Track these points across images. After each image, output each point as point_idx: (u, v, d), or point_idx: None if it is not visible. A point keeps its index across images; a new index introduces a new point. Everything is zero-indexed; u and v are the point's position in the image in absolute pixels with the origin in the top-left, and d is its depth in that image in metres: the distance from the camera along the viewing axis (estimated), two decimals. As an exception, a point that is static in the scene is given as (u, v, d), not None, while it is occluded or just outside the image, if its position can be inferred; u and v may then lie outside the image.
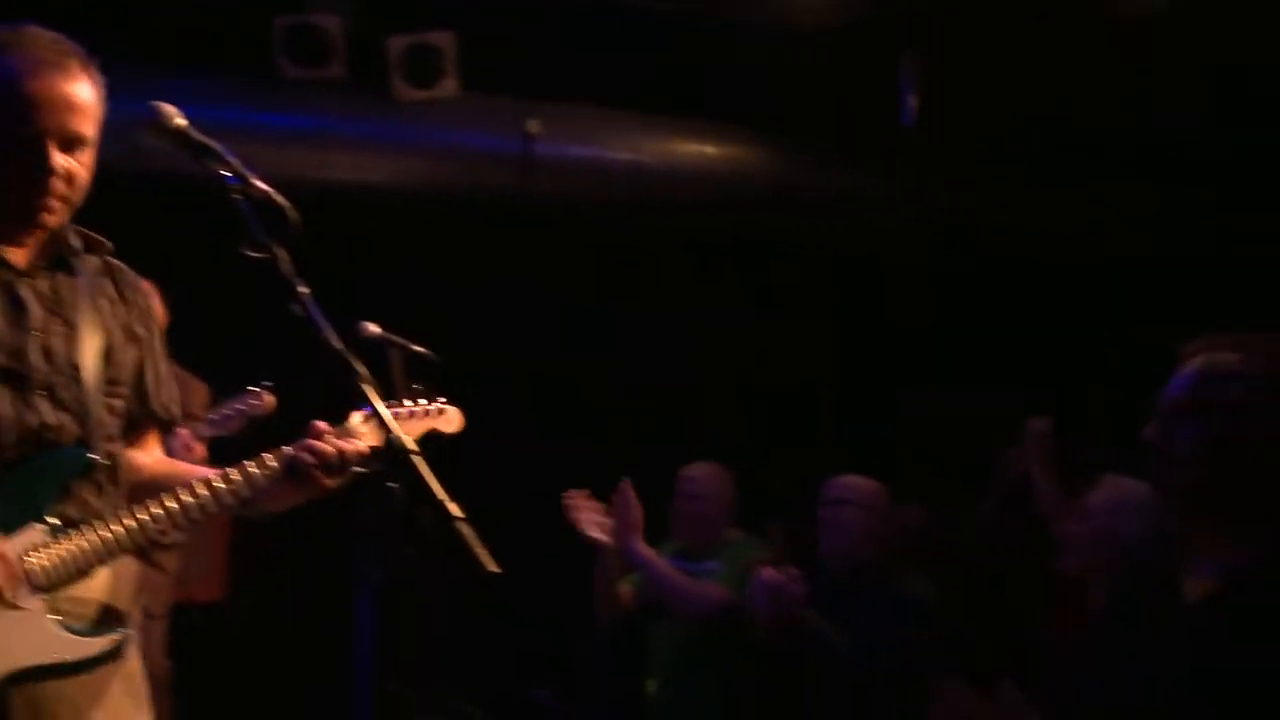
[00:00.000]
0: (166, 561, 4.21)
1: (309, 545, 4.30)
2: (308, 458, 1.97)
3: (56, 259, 1.96)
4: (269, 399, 4.04)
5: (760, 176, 5.43)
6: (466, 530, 1.74)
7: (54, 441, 1.86)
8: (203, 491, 1.92)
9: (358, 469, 2.01)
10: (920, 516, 4.82)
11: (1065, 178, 5.83)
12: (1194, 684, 1.70)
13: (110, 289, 2.01)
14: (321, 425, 2.01)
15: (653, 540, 4.01)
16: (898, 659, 3.38)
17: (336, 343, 1.90)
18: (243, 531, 4.51)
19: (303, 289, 1.93)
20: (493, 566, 1.72)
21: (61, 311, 1.92)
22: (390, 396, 3.88)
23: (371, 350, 3.93)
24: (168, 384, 2.08)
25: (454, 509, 1.77)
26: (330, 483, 1.99)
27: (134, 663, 1.97)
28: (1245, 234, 5.79)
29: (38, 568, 1.80)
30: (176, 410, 2.10)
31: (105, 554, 1.86)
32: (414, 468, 1.81)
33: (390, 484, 1.81)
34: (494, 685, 5.10)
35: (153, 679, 4.13)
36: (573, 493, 3.96)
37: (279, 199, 1.91)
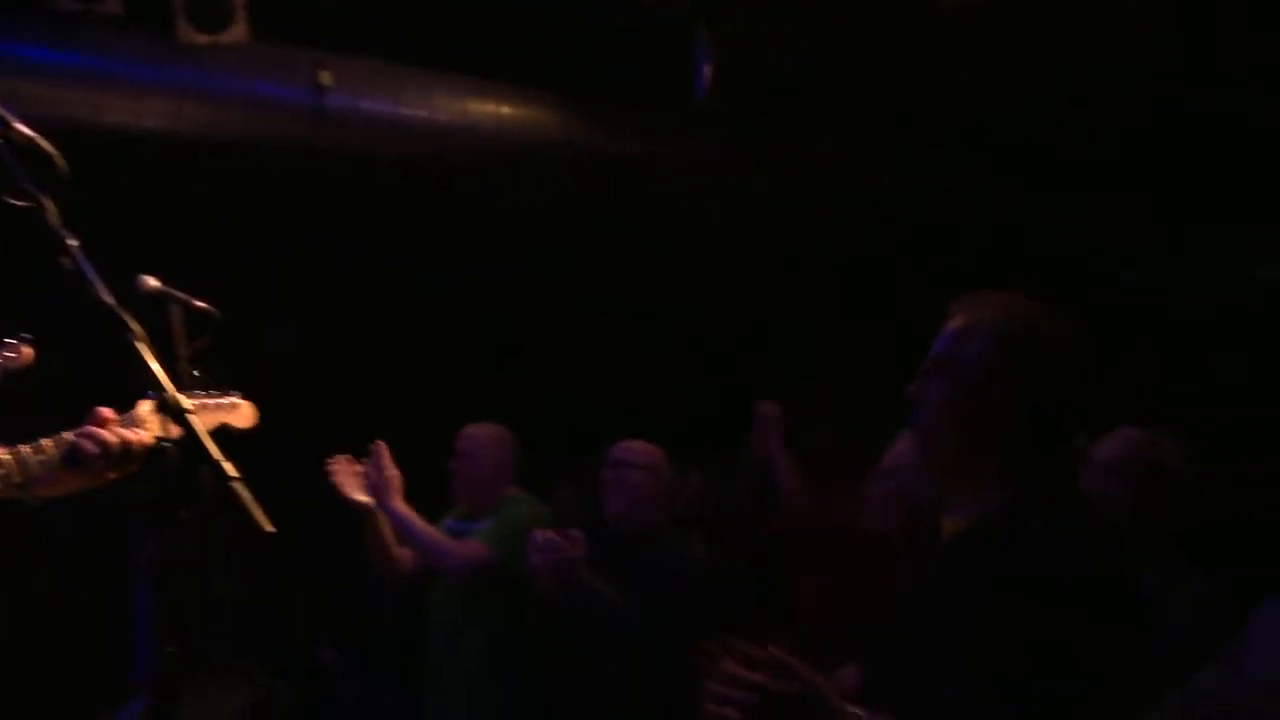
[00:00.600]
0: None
1: (87, 513, 4.11)
2: (90, 447, 1.90)
3: None
4: (26, 351, 3.84)
5: (555, 140, 5.45)
6: (242, 491, 1.72)
7: None
8: None
9: (141, 460, 1.95)
10: (699, 483, 4.98)
11: (860, 151, 6.02)
12: (943, 617, 1.80)
13: None
14: (106, 412, 1.93)
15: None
16: (675, 620, 3.47)
17: (109, 299, 1.84)
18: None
19: (72, 241, 1.86)
20: (268, 527, 1.71)
21: None
22: (170, 354, 3.79)
23: (151, 306, 3.80)
24: None
25: (229, 469, 1.74)
26: (112, 474, 1.92)
27: None
28: (1037, 211, 6.09)
29: None
30: None
31: None
32: (189, 426, 1.77)
33: (164, 443, 1.77)
34: (281, 647, 5.02)
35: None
36: (335, 457, 3.91)
37: (45, 144, 1.83)
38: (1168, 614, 2.36)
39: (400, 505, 3.85)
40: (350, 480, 3.87)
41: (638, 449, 3.87)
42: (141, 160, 4.97)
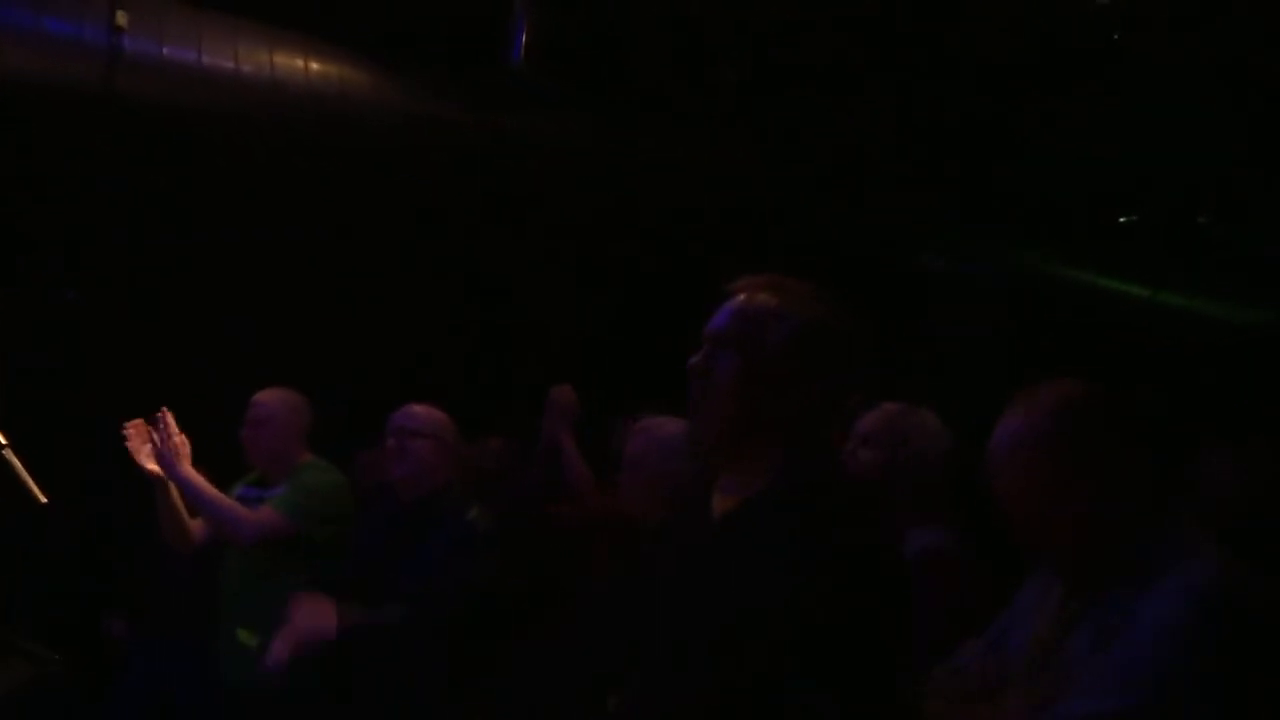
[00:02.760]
0: None
1: None
2: None
3: None
4: None
5: (364, 100, 5.32)
6: (13, 460, 1.63)
7: None
8: None
9: None
10: (497, 450, 4.95)
11: (674, 121, 6.06)
12: (704, 595, 1.81)
13: None
14: None
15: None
16: (461, 590, 3.46)
17: None
18: None
19: None
20: (41, 497, 1.62)
21: None
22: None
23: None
24: None
25: (2, 436, 1.65)
26: None
27: None
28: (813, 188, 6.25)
29: None
30: None
31: None
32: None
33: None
34: (65, 618, 4.83)
35: None
36: (129, 424, 3.76)
37: None
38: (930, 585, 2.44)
39: (189, 472, 3.72)
40: (143, 448, 3.72)
41: (421, 414, 3.79)
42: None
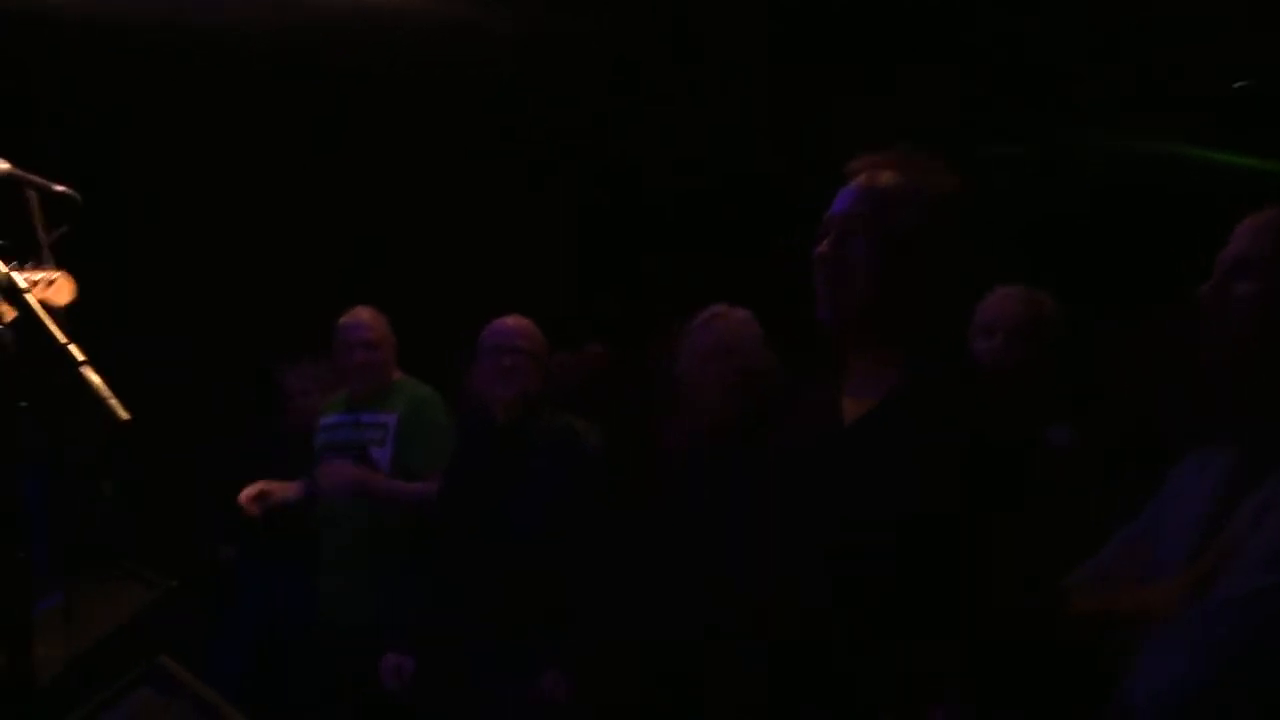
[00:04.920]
0: None
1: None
2: None
3: None
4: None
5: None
6: (93, 376, 1.56)
7: None
8: None
9: None
10: (597, 357, 4.84)
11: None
12: (845, 505, 1.74)
13: None
14: None
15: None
16: (567, 505, 3.37)
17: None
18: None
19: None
20: (123, 414, 1.55)
21: None
22: (31, 243, 3.55)
23: (3, 191, 3.54)
24: None
25: (77, 353, 1.58)
26: None
27: None
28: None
29: None
30: None
31: None
32: (28, 308, 1.60)
33: (-3, 329, 1.60)
34: (177, 545, 4.89)
35: None
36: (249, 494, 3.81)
37: None
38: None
39: (378, 482, 3.78)
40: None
41: (515, 329, 3.64)
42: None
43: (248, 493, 3.78)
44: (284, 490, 3.83)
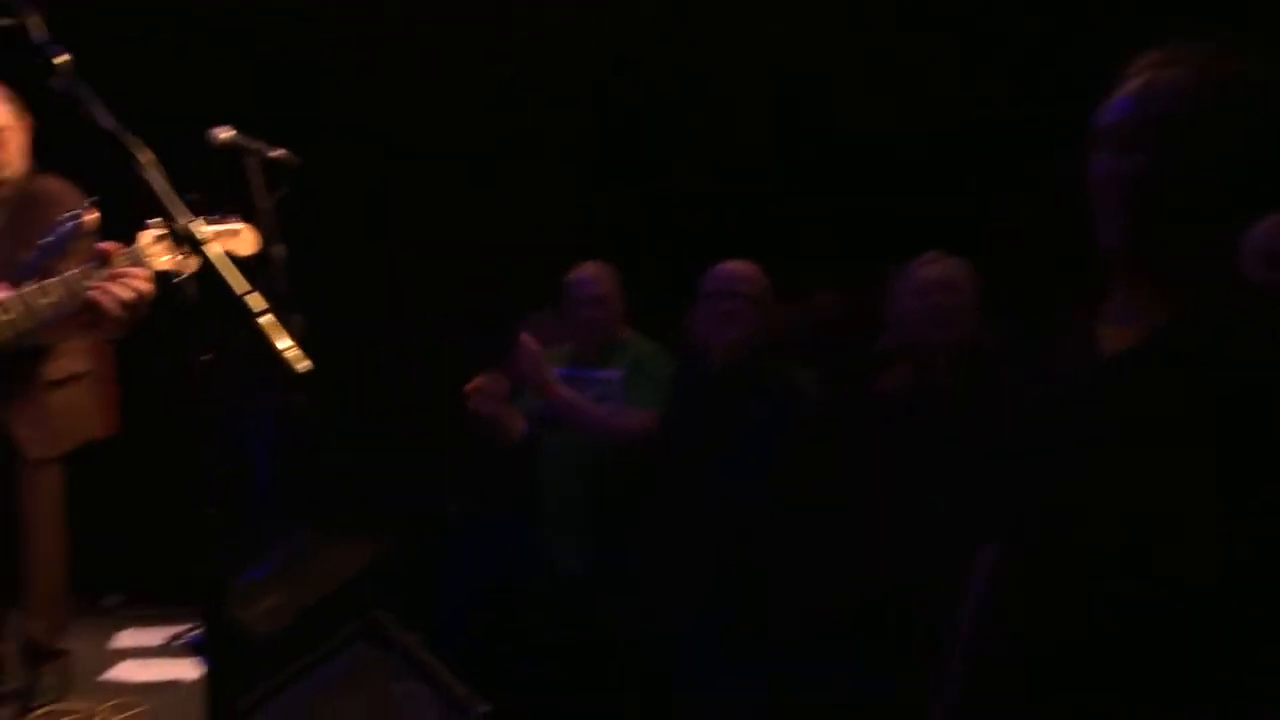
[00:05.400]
0: (62, 399, 3.98)
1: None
2: (99, 296, 1.72)
3: None
4: (91, 215, 3.72)
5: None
6: (272, 326, 1.52)
7: None
8: None
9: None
10: (829, 305, 4.65)
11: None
12: (1110, 435, 1.55)
13: None
14: (110, 247, 1.74)
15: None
16: (784, 464, 3.24)
17: (109, 121, 1.63)
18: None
19: (62, 58, 1.65)
20: (301, 365, 1.50)
21: None
22: (250, 204, 3.62)
23: (227, 157, 3.63)
24: None
25: (256, 303, 1.54)
26: (125, 324, 1.75)
27: None
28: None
29: None
30: None
31: None
32: (208, 259, 1.57)
33: (175, 280, 1.57)
34: (400, 501, 4.99)
35: (45, 523, 4.02)
36: (476, 385, 3.77)
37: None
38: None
39: (564, 391, 3.70)
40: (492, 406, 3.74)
41: (739, 273, 3.54)
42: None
43: (476, 382, 3.77)
44: (506, 403, 3.80)
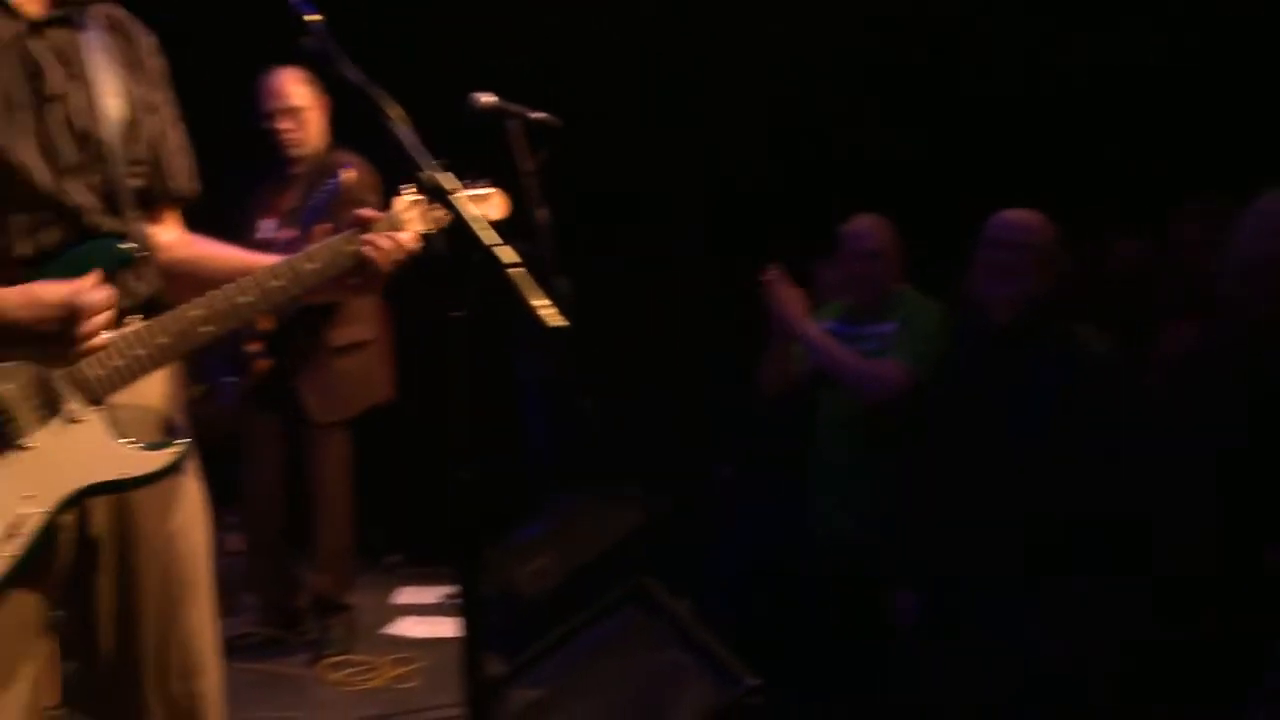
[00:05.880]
0: (348, 366, 4.15)
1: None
2: (368, 251, 1.72)
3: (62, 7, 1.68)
4: (349, 175, 3.82)
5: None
6: (523, 280, 1.45)
7: (92, 228, 1.64)
8: (253, 290, 1.69)
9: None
10: (1129, 256, 4.30)
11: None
12: None
13: (120, 47, 1.74)
14: (369, 214, 1.74)
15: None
16: (1069, 418, 2.97)
17: (358, 77, 1.60)
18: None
19: (314, 17, 1.63)
20: (555, 319, 1.43)
21: (79, 74, 1.65)
22: (511, 168, 3.62)
23: (489, 122, 3.63)
24: (184, 156, 1.83)
25: (507, 255, 1.47)
26: (383, 280, 1.75)
27: (191, 475, 1.80)
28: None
29: (91, 377, 1.61)
30: (195, 185, 1.84)
31: (157, 360, 1.66)
32: (457, 210, 1.51)
33: (426, 233, 1.53)
34: (671, 465, 4.95)
35: (332, 485, 4.19)
36: (771, 272, 3.65)
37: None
38: None
39: (812, 328, 3.61)
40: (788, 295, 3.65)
41: (1020, 221, 3.26)
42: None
43: (773, 273, 3.69)
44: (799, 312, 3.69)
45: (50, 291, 1.55)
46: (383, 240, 1.70)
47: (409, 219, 1.76)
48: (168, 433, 1.71)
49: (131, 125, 1.69)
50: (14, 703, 1.63)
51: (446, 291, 1.53)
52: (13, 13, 1.61)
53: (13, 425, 1.56)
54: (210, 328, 1.67)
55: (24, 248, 1.59)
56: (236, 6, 4.49)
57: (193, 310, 1.66)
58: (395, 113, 1.60)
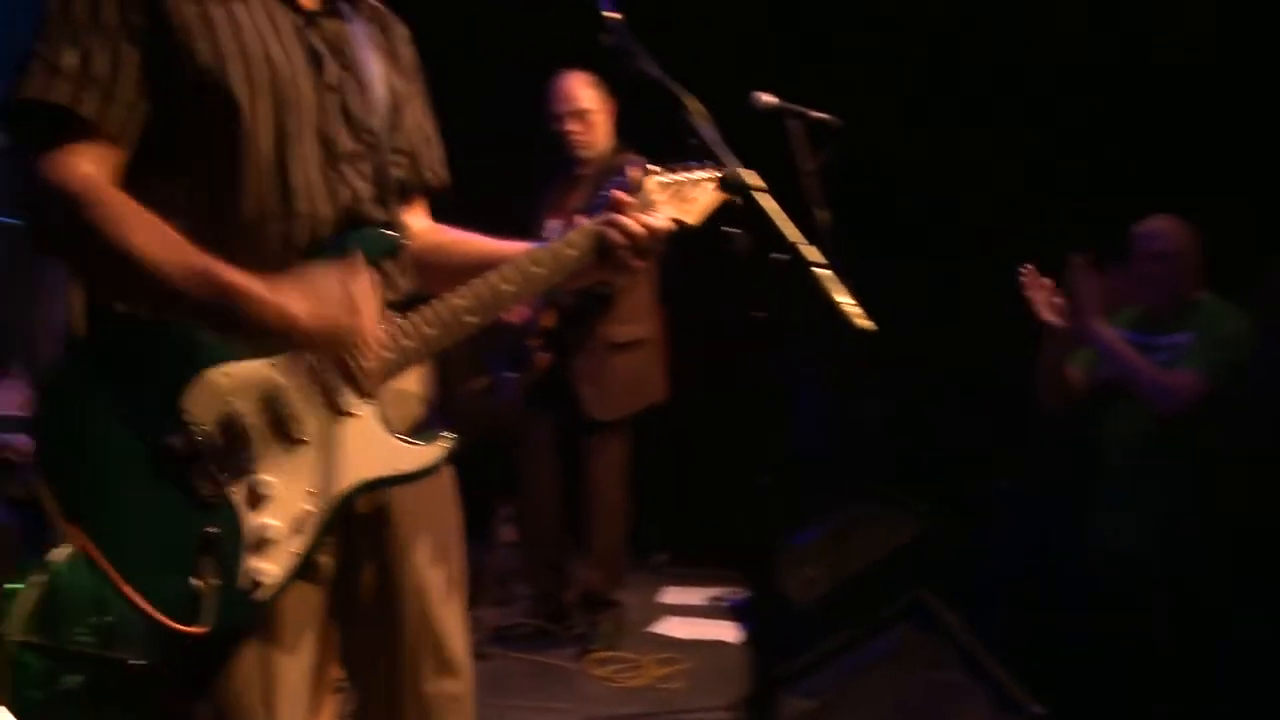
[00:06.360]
0: (627, 364, 4.20)
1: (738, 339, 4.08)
2: (617, 237, 1.69)
3: None
4: (635, 173, 3.84)
5: None
6: (828, 279, 1.39)
7: (364, 217, 1.61)
8: (516, 278, 1.67)
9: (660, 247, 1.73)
10: None
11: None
12: None
13: (380, 37, 1.74)
14: (622, 196, 1.71)
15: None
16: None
17: (656, 71, 1.58)
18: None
19: (612, 14, 1.62)
20: (862, 322, 1.36)
21: (349, 65, 1.64)
22: (794, 171, 3.57)
23: (769, 121, 3.59)
24: (436, 147, 1.81)
25: (812, 254, 1.42)
26: (637, 265, 1.72)
27: (447, 470, 1.74)
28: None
29: (363, 369, 1.57)
30: (446, 176, 1.83)
31: (424, 353, 1.63)
32: (763, 209, 1.47)
33: (729, 230, 1.48)
34: (946, 477, 4.79)
35: (608, 482, 4.24)
36: (1028, 268, 3.48)
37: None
38: None
39: (1103, 327, 3.43)
40: (1043, 297, 3.47)
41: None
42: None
43: (1032, 276, 3.54)
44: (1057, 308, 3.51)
45: (330, 282, 1.49)
46: (633, 223, 1.68)
47: (656, 201, 1.74)
48: (431, 426, 1.68)
49: (395, 115, 1.69)
50: (305, 677, 1.62)
51: (740, 291, 1.48)
52: (292, 3, 1.59)
53: (294, 419, 1.53)
54: (474, 318, 1.63)
55: (300, 236, 1.55)
56: (525, 9, 4.63)
57: (457, 299, 1.63)
58: (696, 109, 1.58)
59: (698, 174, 1.79)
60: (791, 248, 1.42)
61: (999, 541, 4.42)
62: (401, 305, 1.65)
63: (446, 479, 1.74)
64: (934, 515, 4.02)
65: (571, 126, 4.13)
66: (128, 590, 1.42)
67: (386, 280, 1.63)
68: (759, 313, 1.47)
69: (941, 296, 5.07)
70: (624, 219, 1.68)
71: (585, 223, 1.70)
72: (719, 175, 1.64)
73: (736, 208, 1.50)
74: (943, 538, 3.89)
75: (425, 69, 1.79)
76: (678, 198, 1.78)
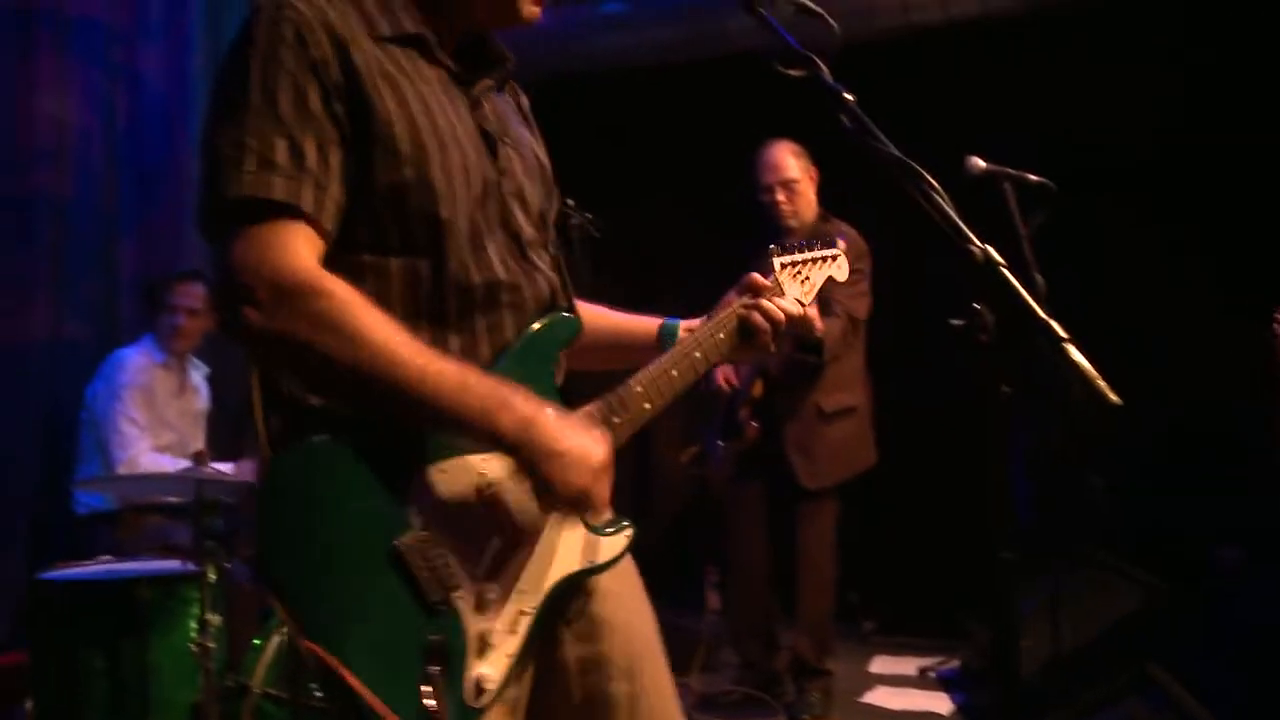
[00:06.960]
0: (837, 433, 4.22)
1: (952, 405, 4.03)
2: (761, 322, 1.73)
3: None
4: (842, 246, 3.86)
5: None
6: (1078, 356, 1.40)
7: (550, 304, 1.58)
8: (681, 364, 1.67)
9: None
10: None
11: None
12: None
13: (514, 104, 1.69)
14: (759, 280, 1.76)
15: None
16: None
17: (894, 151, 1.62)
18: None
19: (848, 96, 1.67)
20: (1113, 398, 1.36)
21: (510, 142, 1.58)
22: (1009, 232, 3.55)
23: (982, 186, 3.59)
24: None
25: (1059, 330, 1.42)
26: (774, 347, 1.75)
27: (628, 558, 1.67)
28: None
29: None
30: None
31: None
32: (1010, 285, 1.48)
33: (974, 305, 1.51)
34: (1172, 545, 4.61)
35: (818, 550, 4.22)
36: None
37: (814, 7, 1.68)
38: None
39: None
40: None
41: None
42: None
43: None
44: None
45: (597, 452, 1.42)
46: (774, 307, 1.72)
47: (785, 283, 1.79)
48: (616, 516, 1.60)
49: (548, 191, 1.65)
50: None
51: (983, 365, 1.50)
52: (459, 80, 1.53)
53: (508, 517, 1.45)
54: (649, 405, 1.60)
55: (506, 331, 1.51)
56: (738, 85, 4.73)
57: (636, 387, 1.60)
58: (934, 186, 1.61)
59: (816, 254, 1.86)
60: (1044, 323, 1.43)
61: (1230, 612, 4.23)
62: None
63: (630, 565, 1.67)
64: (1159, 584, 3.87)
65: (778, 197, 4.20)
66: (382, 709, 1.32)
67: (560, 367, 1.60)
68: (1005, 388, 1.48)
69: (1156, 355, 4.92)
70: (766, 304, 1.72)
71: (732, 303, 1.75)
72: (833, 254, 1.70)
73: (979, 284, 1.52)
74: (1170, 607, 3.75)
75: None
76: (797, 279, 1.83)
